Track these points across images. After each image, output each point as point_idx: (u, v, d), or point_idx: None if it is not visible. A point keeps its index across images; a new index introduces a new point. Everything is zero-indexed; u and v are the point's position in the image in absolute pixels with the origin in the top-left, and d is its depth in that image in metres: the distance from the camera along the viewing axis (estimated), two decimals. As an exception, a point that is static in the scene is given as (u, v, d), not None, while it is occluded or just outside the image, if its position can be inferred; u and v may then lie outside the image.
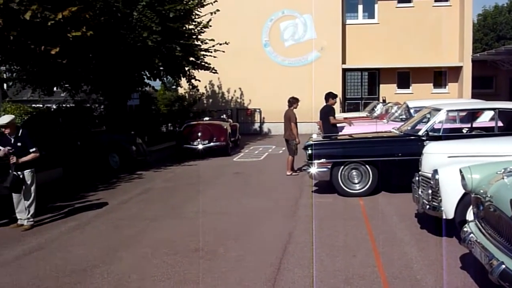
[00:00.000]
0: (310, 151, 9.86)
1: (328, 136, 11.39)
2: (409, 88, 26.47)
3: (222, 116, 21.04)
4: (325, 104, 12.36)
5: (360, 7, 26.82)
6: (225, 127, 17.98)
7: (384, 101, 23.34)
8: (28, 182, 8.19)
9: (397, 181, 9.38)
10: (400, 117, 13.87)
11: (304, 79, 25.37)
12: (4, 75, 19.79)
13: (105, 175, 13.76)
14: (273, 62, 26.59)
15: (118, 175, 13.70)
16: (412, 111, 13.05)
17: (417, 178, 7.27)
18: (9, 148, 8.09)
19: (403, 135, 9.72)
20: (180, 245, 6.80)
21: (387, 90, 26.25)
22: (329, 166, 9.64)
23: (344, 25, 26.39)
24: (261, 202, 9.56)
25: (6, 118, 8.26)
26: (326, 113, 12.22)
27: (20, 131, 8.27)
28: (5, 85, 23.30)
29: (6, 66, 17.71)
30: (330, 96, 12.37)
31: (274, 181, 11.99)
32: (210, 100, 27.50)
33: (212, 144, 17.12)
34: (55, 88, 19.83)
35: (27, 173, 8.18)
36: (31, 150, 8.18)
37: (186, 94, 27.46)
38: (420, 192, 7.00)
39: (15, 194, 8.24)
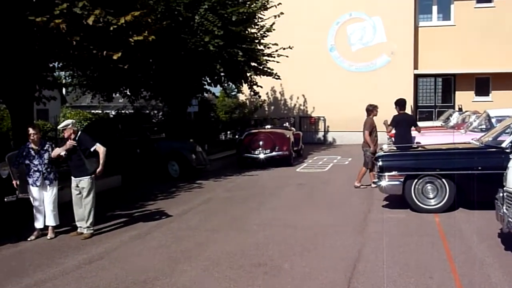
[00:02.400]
0: (380, 163, 9.70)
1: (400, 147, 11.13)
2: (488, 95, 25.57)
3: (284, 124, 21.09)
4: (401, 112, 12.00)
5: (435, 8, 26.31)
6: (287, 136, 18.00)
7: (460, 109, 22.72)
8: (86, 189, 8.44)
9: (476, 197, 8.97)
10: (480, 127, 13.44)
11: (372, 86, 25.02)
12: (64, 80, 20.53)
13: (164, 184, 14.01)
14: (339, 68, 26.42)
15: (178, 184, 13.91)
16: (493, 120, 12.63)
17: (501, 195, 6.95)
18: (73, 143, 8.39)
19: (484, 147, 9.41)
20: (242, 258, 6.81)
21: (464, 98, 25.44)
22: (402, 179, 9.43)
23: (416, 27, 25.91)
24: (327, 215, 9.46)
25: (65, 122, 8.69)
26: (407, 121, 11.88)
27: (79, 134, 8.58)
28: (64, 90, 24.43)
29: (67, 71, 18.30)
30: (400, 104, 12.03)
31: (341, 193, 11.84)
32: (272, 108, 27.62)
33: (274, 153, 17.17)
34: (114, 94, 20.46)
35: (86, 179, 8.44)
36: (93, 148, 8.41)
37: (247, 101, 27.73)
38: (505, 210, 6.68)
39: (74, 200, 8.51)
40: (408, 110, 23.42)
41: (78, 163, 8.44)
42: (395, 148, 11.17)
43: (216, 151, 20.59)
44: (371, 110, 12.45)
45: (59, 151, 8.47)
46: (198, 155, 15.57)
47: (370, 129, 12.21)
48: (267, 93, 26.89)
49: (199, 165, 15.50)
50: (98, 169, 8.42)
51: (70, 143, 8.41)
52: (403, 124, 11.89)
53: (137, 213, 10.24)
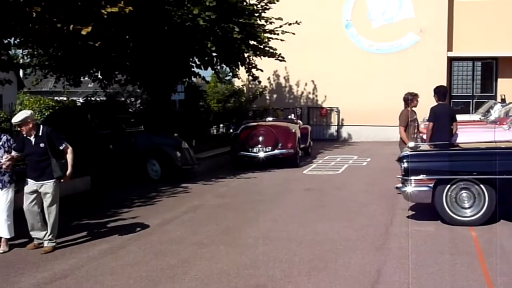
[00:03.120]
0: (405, 164, 9.65)
1: (430, 145, 11.10)
2: (538, 83, 25.58)
3: (289, 117, 21.08)
4: (440, 102, 11.77)
5: (474, -23, 26.28)
6: (293, 130, 18.03)
7: (503, 100, 22.76)
8: (50, 194, 8.37)
9: (522, 207, 9.05)
10: (527, 122, 13.43)
11: (397, 71, 25.04)
12: (22, 60, 20.46)
13: (142, 187, 14.01)
14: (356, 48, 26.49)
15: (159, 188, 13.89)
16: (543, 114, 12.60)
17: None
18: (17, 154, 8.37)
19: (532, 146, 9.39)
20: (236, 279, 6.81)
21: (508, 86, 25.42)
22: (431, 185, 9.40)
23: (451, 0, 25.87)
24: (339, 228, 9.44)
25: (21, 115, 8.40)
26: (449, 114, 11.71)
27: (41, 129, 8.46)
28: (21, 72, 24.26)
29: (25, 50, 18.26)
30: (440, 92, 11.89)
31: (357, 201, 11.84)
32: (275, 96, 27.66)
33: (276, 151, 17.21)
34: (82, 78, 20.38)
35: (51, 184, 8.38)
36: (62, 147, 8.43)
37: (245, 88, 27.71)
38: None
39: (28, 208, 8.39)
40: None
41: (42, 164, 8.37)
42: (423, 146, 11.14)
43: (206, 148, 20.68)
44: (411, 99, 12.30)
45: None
46: (183, 152, 15.56)
47: (405, 123, 12.06)
48: (268, 79, 26.92)
49: (185, 164, 15.51)
50: (68, 172, 8.42)
51: (6, 160, 8.28)
52: (443, 118, 11.62)
53: (110, 223, 10.21)
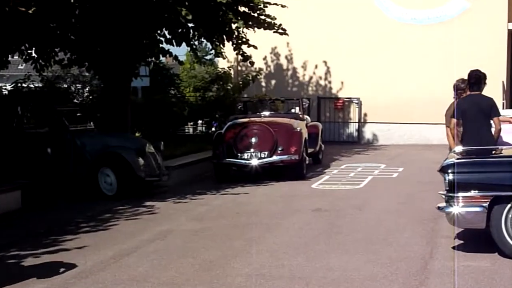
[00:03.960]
0: (450, 176, 9.62)
1: (482, 150, 11.14)
2: None
3: (293, 110, 20.95)
4: (473, 93, 11.92)
5: None
6: (298, 129, 18.01)
7: None
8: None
9: None
10: None
11: (441, 48, 25.00)
12: None
13: (92, 206, 13.94)
14: (385, 18, 26.57)
15: (114, 207, 13.84)
16: None
17: None
18: None
19: None
20: (220, 333, 6.78)
21: None
22: (485, 204, 9.38)
23: (512, -46, 25.87)
24: (360, 262, 9.38)
25: None
26: (481, 108, 11.79)
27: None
28: None
29: None
30: (471, 79, 11.97)
31: (384, 226, 11.80)
32: (273, 82, 27.62)
33: (275, 158, 17.20)
34: (11, 56, 20.13)
35: None
36: None
37: (232, 71, 27.53)
38: None
39: None
40: (498, 89, 23.96)
41: None
42: (473, 152, 11.11)
43: (179, 153, 20.44)
44: (463, 89, 12.42)
45: None
46: (148, 159, 15.50)
47: (451, 123, 12.11)
48: (265, 59, 26.91)
49: (149, 175, 15.44)
50: None
51: None
52: (472, 113, 11.73)
53: (47, 254, 10.10)
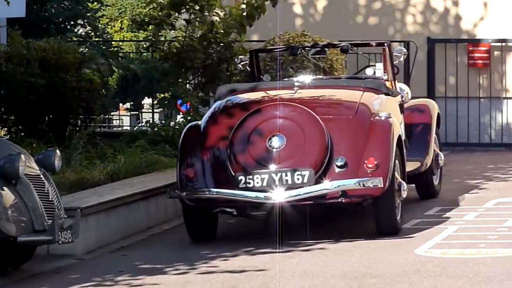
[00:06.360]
0: None
1: None
2: None
3: (369, 71, 14.33)
4: None
5: None
6: (382, 116, 11.77)
7: None
8: None
9: None
10: None
11: None
12: None
13: None
14: None
15: None
16: None
17: None
18: None
19: None
20: None
21: None
22: None
23: None
24: None
25: None
26: None
27: None
28: None
29: None
30: None
31: None
32: (320, 9, 20.63)
33: (328, 185, 11.19)
34: None
35: None
36: None
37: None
38: None
39: None
40: None
41: None
42: None
43: (98, 177, 14.10)
44: None
45: None
46: (25, 192, 10.31)
47: None
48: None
49: (28, 231, 10.37)
50: None
51: None
52: None
53: None
